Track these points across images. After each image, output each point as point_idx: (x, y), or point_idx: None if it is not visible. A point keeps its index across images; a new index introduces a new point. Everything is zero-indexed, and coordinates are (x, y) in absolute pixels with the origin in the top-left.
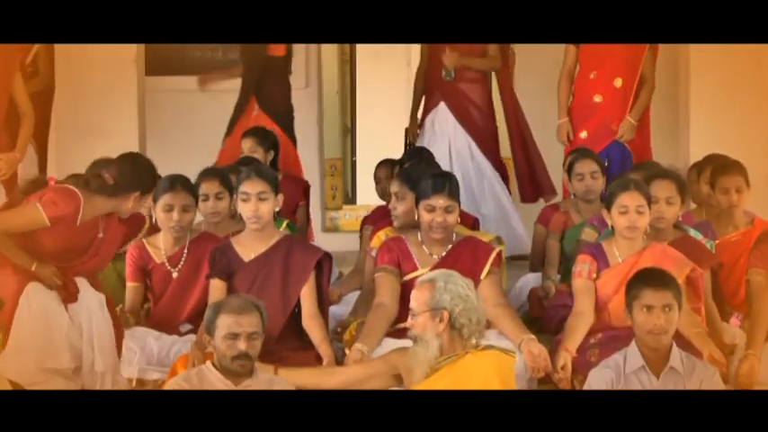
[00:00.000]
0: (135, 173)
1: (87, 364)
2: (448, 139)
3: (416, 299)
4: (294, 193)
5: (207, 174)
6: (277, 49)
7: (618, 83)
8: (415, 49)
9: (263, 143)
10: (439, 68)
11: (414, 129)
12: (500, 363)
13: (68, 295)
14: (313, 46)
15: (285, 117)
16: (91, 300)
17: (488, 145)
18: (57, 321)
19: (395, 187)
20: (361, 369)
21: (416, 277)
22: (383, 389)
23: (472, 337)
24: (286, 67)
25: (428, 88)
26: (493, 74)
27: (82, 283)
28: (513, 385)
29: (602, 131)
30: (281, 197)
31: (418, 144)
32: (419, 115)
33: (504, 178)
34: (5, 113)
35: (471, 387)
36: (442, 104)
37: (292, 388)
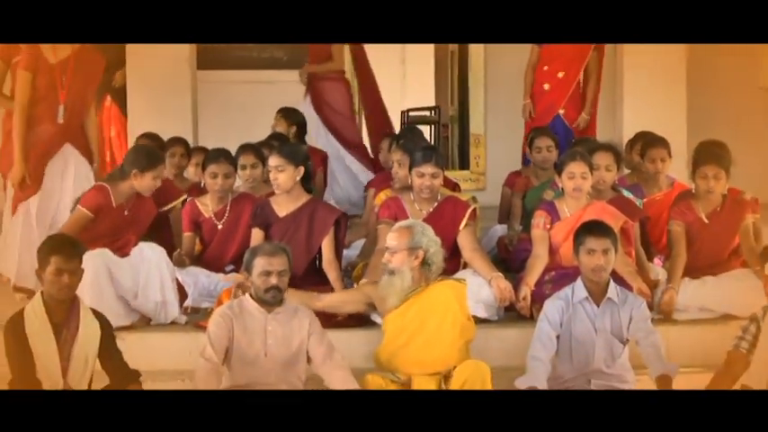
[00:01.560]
0: (132, 157)
1: (152, 300)
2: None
3: (397, 239)
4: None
5: (244, 148)
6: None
7: (561, 75)
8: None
9: (286, 117)
10: None
11: None
12: (456, 289)
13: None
14: None
15: None
16: (152, 253)
17: (345, 132)
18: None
19: (397, 156)
20: (340, 296)
21: None
22: (356, 313)
23: (435, 274)
24: None
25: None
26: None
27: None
28: (467, 306)
29: (548, 111)
30: (302, 168)
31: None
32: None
33: (365, 157)
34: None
35: (436, 310)
36: (308, 98)
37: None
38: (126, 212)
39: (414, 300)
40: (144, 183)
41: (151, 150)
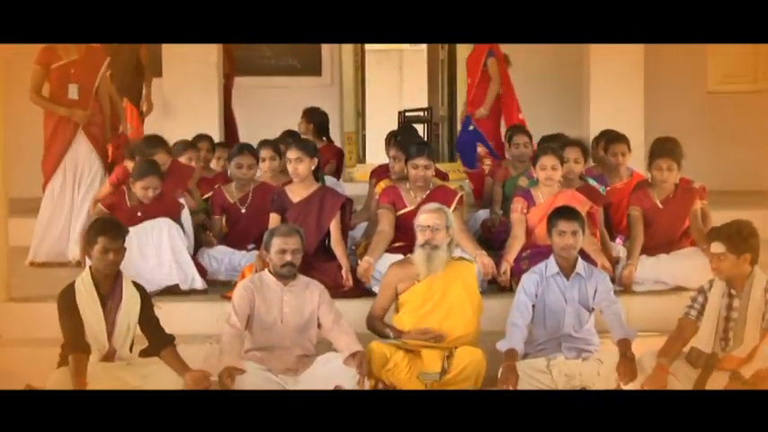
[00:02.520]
0: (134, 167)
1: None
2: None
3: (438, 219)
4: (327, 155)
5: (264, 143)
6: None
7: (468, 80)
8: (406, 54)
9: (306, 116)
10: None
11: None
12: (471, 268)
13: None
14: (336, 55)
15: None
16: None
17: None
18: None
19: (393, 152)
20: (377, 301)
21: (408, 212)
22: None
23: (453, 249)
24: None
25: None
26: None
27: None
28: (477, 282)
29: (467, 111)
30: (316, 159)
31: None
32: None
33: None
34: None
35: (456, 284)
36: None
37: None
38: (139, 213)
39: (438, 275)
40: (136, 190)
41: (145, 164)
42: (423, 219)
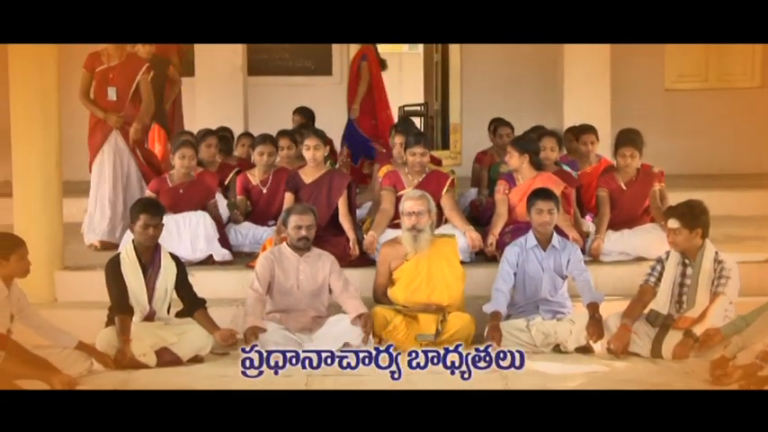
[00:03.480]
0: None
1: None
2: None
3: (422, 205)
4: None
5: (282, 133)
6: None
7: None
8: (405, 57)
9: (300, 113)
10: None
11: None
12: (452, 243)
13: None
14: (345, 57)
15: None
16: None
17: None
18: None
19: (398, 140)
20: (376, 278)
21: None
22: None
23: (434, 228)
24: None
25: None
26: None
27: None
28: (458, 255)
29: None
30: (327, 147)
31: None
32: None
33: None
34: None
35: (440, 260)
36: None
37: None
38: (181, 191)
39: (426, 252)
40: (176, 162)
41: (178, 138)
42: (408, 205)
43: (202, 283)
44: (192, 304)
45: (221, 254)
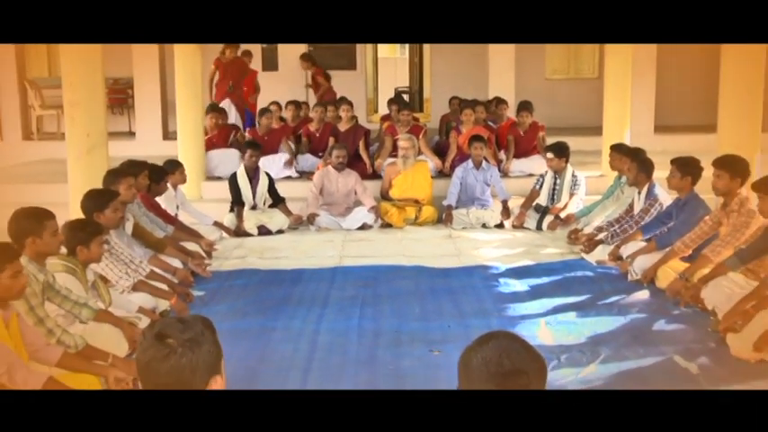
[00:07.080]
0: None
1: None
2: None
3: (408, 144)
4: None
5: (331, 101)
6: None
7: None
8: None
9: (303, 58)
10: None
11: None
12: (426, 165)
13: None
14: (363, 56)
15: None
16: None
17: None
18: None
19: (394, 107)
20: (382, 185)
21: (399, 137)
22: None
23: (416, 155)
24: None
25: None
26: None
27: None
28: (429, 172)
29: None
30: (353, 109)
31: None
32: None
33: None
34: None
35: (420, 174)
36: None
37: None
38: (265, 138)
39: (410, 169)
40: (262, 121)
41: (264, 109)
42: (402, 143)
43: (283, 190)
44: (277, 199)
45: (292, 173)
